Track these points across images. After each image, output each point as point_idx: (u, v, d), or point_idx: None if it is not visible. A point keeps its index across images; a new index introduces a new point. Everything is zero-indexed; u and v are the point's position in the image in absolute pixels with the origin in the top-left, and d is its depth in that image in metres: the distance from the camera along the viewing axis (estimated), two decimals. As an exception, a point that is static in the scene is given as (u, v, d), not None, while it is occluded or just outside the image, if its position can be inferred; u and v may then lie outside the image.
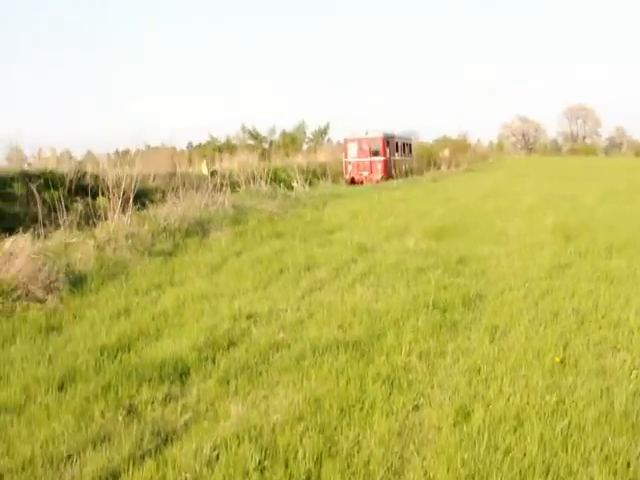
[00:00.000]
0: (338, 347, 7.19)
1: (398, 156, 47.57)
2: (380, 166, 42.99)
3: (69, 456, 5.14)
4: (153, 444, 5.27)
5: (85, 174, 29.90)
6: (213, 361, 6.99)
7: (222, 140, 62.71)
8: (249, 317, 8.45)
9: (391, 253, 12.60)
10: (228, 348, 7.39)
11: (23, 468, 5.01)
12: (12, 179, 26.14)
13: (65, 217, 13.29)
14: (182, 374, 6.67)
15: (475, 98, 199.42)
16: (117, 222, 12.88)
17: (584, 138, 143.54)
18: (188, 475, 4.79)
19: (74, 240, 12.07)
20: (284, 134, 65.01)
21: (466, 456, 4.92)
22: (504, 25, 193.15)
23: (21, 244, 10.14)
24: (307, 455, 5.00)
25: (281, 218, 17.09)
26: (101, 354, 7.21)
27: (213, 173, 36.32)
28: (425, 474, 4.77)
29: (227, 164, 42.31)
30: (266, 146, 60.38)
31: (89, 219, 15.07)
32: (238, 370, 6.71)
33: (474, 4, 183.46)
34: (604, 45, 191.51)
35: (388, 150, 44.37)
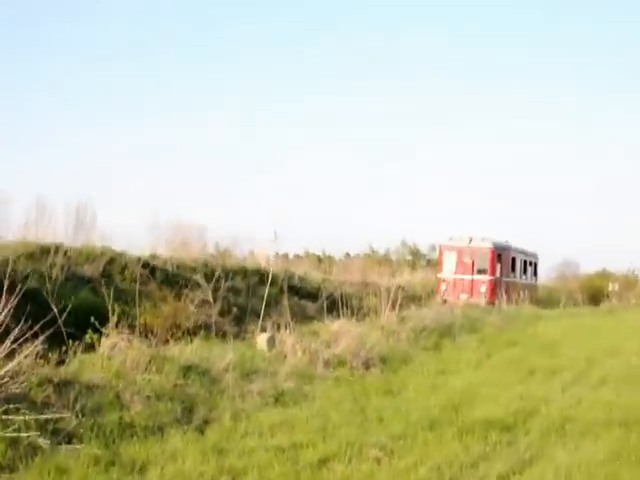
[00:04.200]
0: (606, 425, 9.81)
1: (514, 277, 36.67)
2: (485, 289, 32.82)
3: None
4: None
5: (294, 275, 33.68)
6: (524, 423, 9.79)
7: (381, 252, 62.34)
8: (534, 400, 11.23)
9: (616, 366, 15.07)
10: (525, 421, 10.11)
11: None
12: (235, 273, 30.10)
13: (343, 311, 16.55)
14: (502, 429, 9.41)
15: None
16: (388, 319, 16.06)
17: None
18: None
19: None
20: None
21: None
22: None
23: (345, 326, 13.38)
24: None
25: (506, 330, 19.96)
26: (441, 410, 10.16)
27: (399, 288, 39.51)
28: None
29: (408, 277, 45.01)
30: (423, 264, 59.66)
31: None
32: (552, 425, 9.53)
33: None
34: None
35: (499, 267, 34.05)
